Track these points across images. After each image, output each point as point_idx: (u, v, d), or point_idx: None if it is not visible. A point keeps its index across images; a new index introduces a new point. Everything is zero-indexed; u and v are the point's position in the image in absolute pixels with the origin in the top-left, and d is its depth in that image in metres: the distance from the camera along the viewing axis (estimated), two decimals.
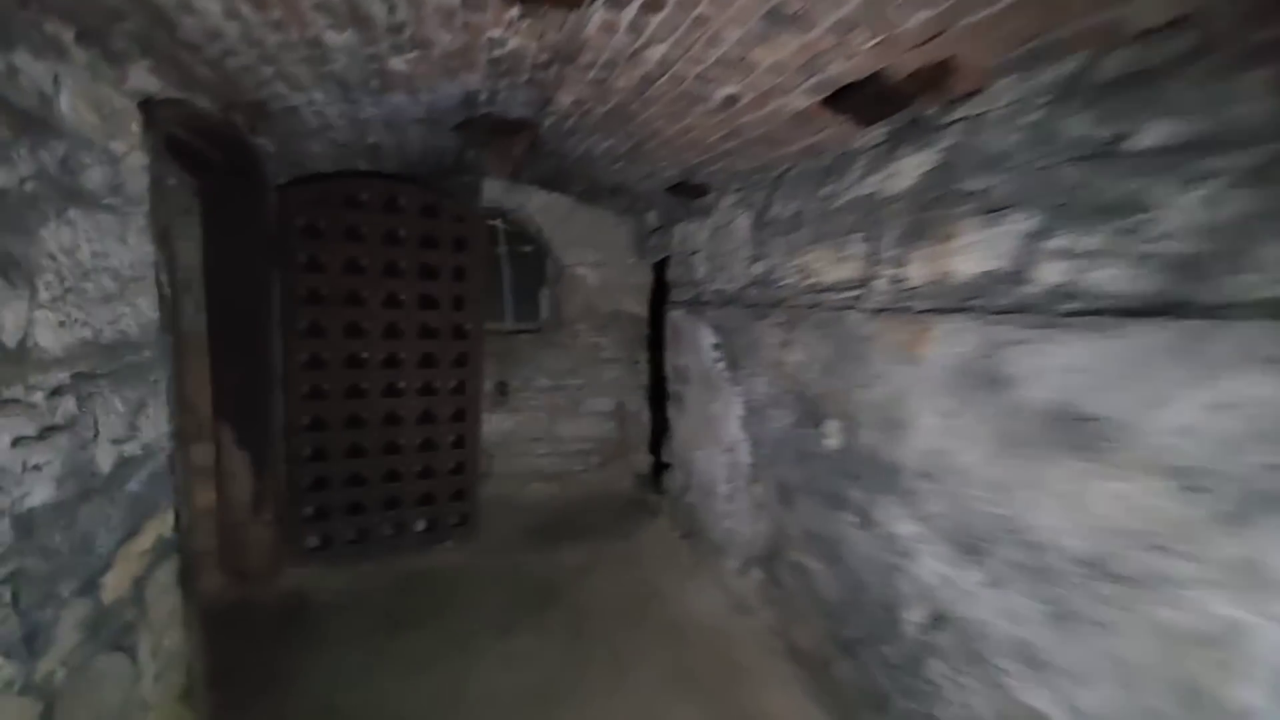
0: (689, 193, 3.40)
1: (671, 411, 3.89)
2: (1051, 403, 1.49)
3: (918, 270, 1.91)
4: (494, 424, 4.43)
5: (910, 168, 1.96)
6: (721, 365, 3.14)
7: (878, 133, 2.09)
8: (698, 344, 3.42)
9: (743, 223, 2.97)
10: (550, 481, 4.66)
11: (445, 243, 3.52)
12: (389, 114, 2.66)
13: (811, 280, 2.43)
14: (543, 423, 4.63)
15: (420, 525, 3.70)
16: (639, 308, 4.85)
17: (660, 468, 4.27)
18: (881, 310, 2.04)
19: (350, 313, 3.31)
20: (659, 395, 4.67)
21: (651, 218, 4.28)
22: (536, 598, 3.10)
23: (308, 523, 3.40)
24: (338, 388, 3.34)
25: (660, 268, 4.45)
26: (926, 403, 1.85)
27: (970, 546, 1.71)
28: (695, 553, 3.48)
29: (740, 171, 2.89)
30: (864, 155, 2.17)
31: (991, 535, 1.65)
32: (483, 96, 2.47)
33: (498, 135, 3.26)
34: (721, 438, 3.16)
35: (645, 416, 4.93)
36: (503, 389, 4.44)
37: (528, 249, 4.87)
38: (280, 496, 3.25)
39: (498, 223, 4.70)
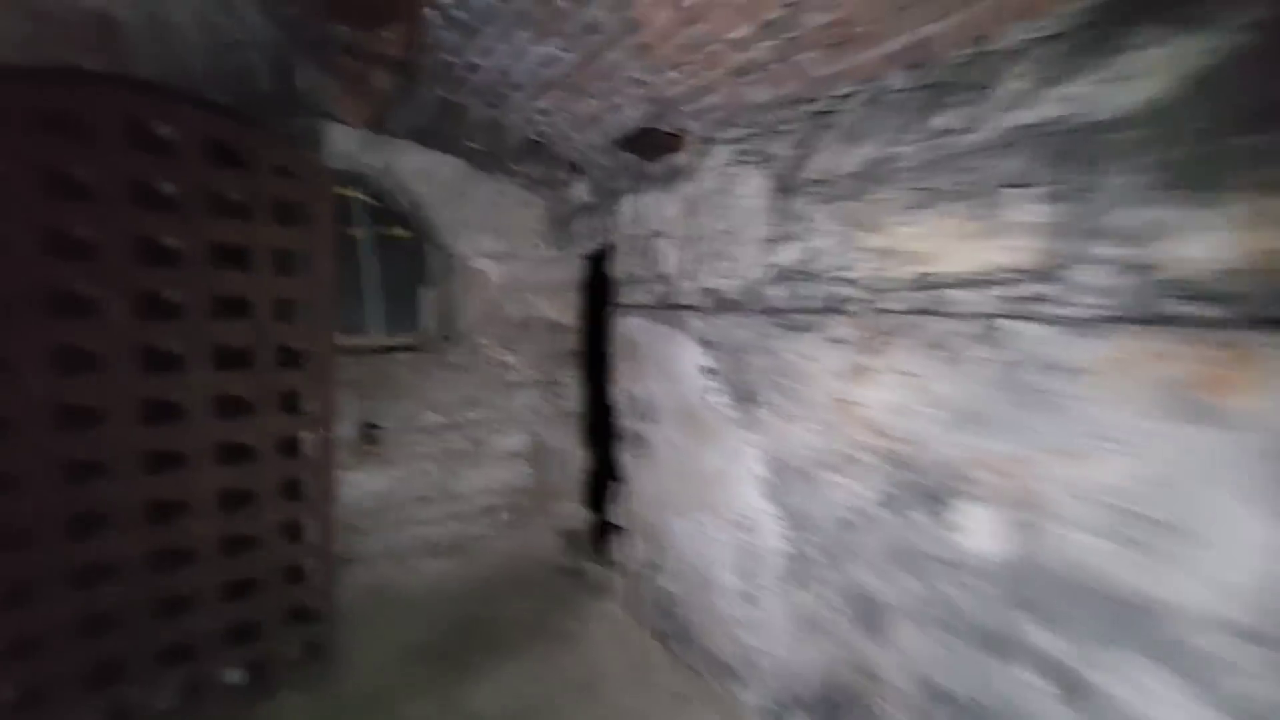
0: (652, 147, 2.35)
1: (627, 457, 2.81)
2: None
3: (1203, 248, 1.04)
4: (360, 484, 3.05)
5: (1166, 62, 1.08)
6: (722, 399, 2.13)
7: (1075, 7, 1.20)
8: (673, 365, 2.38)
9: (752, 187, 1.98)
10: (447, 556, 3.36)
11: (260, 210, 2.13)
12: None
13: (914, 270, 1.49)
14: (432, 476, 3.31)
15: (234, 675, 2.27)
16: (560, 313, 3.69)
17: (605, 528, 3.17)
18: (1109, 320, 1.15)
19: (64, 328, 1.81)
20: (600, 430, 3.57)
21: (579, 191, 3.16)
22: None
23: (10, 715, 1.85)
24: (43, 466, 1.82)
25: (598, 260, 3.35)
26: (1251, 497, 0.98)
27: None
28: (680, 664, 2.43)
29: (753, 106, 1.90)
30: (1031, 55, 1.27)
31: None
32: None
33: (354, 24, 1.98)
34: (725, 505, 2.15)
35: (572, 454, 3.79)
36: (370, 434, 3.06)
37: (401, 233, 3.51)
38: None
39: (354, 193, 3.30)
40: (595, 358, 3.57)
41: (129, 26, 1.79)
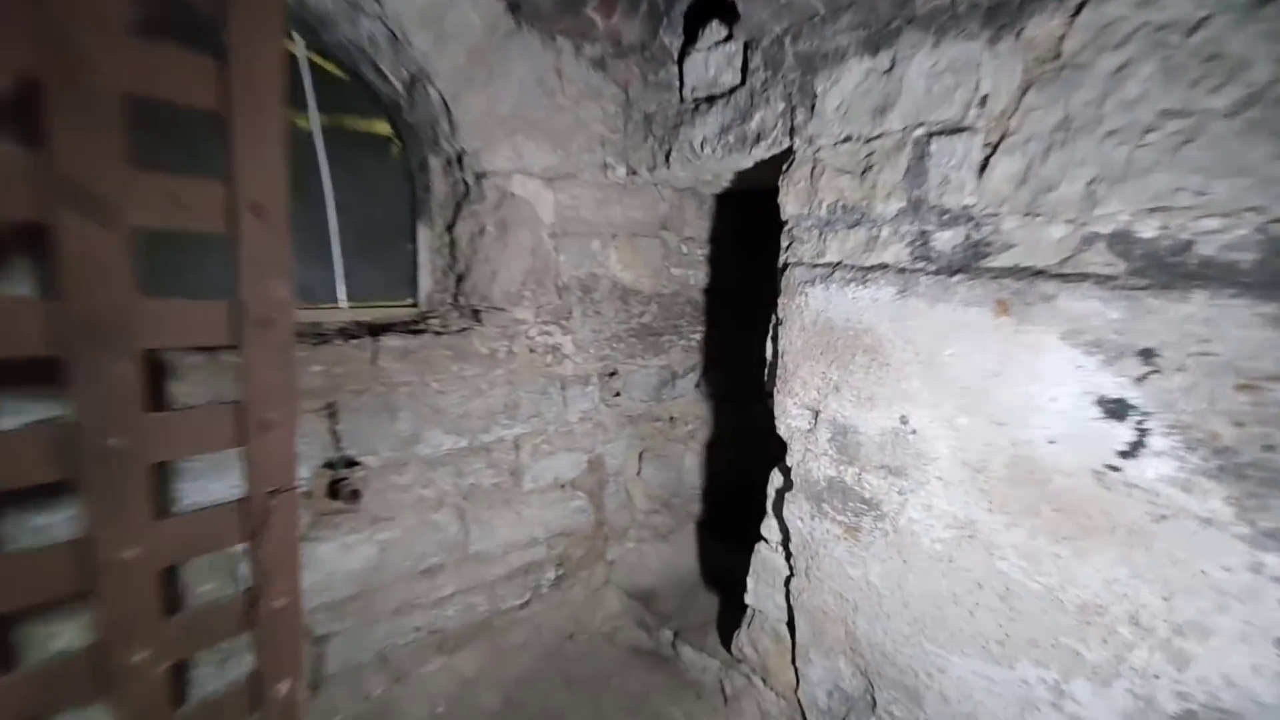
0: None
1: (807, 519, 1.67)
2: None
3: None
4: (329, 562, 1.78)
5: None
6: (1168, 473, 1.01)
7: None
8: (985, 386, 1.24)
9: None
10: (466, 646, 2.15)
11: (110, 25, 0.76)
12: None
13: None
14: (443, 530, 2.06)
15: None
16: (636, 273, 2.44)
17: (728, 603, 2.06)
18: None
19: None
20: (718, 454, 2.43)
21: (708, 65, 1.88)
22: None
23: None
24: None
25: (750, 190, 2.09)
26: None
27: None
28: None
29: None
30: None
31: None
32: None
33: None
34: (1145, 673, 1.07)
35: (634, 473, 2.61)
36: (338, 484, 1.75)
37: (384, 131, 2.09)
38: None
39: (298, 47, 1.85)
40: (725, 342, 2.40)
41: None
